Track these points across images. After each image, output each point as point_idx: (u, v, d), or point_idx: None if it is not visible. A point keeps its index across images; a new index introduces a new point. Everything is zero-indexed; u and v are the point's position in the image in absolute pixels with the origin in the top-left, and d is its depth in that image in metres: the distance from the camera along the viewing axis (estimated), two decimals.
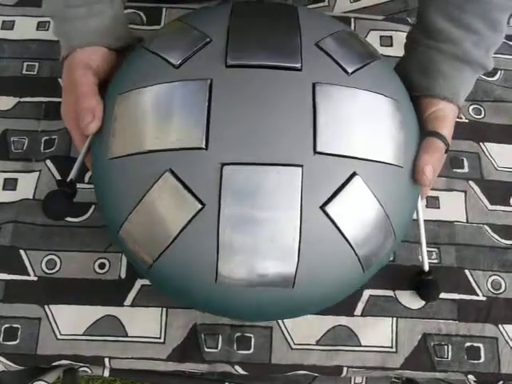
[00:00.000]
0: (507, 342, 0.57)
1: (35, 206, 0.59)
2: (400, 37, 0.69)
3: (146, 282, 0.56)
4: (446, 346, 0.56)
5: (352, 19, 0.70)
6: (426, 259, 0.54)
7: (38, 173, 0.61)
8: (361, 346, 0.56)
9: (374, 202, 0.44)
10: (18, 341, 0.55)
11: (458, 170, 0.63)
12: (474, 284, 0.58)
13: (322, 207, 0.42)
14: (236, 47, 0.45)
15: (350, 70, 0.45)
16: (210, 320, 0.56)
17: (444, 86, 0.51)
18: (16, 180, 0.61)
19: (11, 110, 0.64)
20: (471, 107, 0.66)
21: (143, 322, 0.56)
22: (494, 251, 0.60)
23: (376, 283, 0.54)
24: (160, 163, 0.42)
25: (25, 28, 0.68)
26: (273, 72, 0.44)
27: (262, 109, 0.42)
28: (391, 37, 0.69)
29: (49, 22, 0.69)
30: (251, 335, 0.56)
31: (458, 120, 0.65)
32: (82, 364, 0.55)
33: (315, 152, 0.42)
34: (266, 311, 0.47)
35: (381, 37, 0.69)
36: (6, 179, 0.61)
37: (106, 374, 0.56)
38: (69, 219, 0.59)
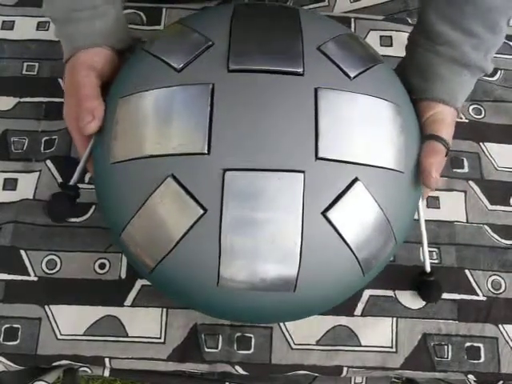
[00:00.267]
0: (507, 342, 0.57)
1: (35, 206, 0.59)
2: (400, 37, 0.69)
3: (146, 282, 0.56)
4: (446, 346, 0.56)
5: (352, 19, 0.70)
6: (428, 260, 0.55)
7: (38, 173, 0.61)
8: (361, 346, 0.56)
9: (374, 207, 0.44)
10: (18, 341, 0.55)
11: (458, 170, 0.63)
12: (474, 284, 0.58)
13: (324, 213, 0.42)
14: (238, 51, 0.45)
15: (351, 75, 0.45)
16: (210, 320, 0.56)
17: (441, 88, 0.51)
18: (16, 180, 0.61)
19: (11, 110, 0.64)
20: (471, 107, 0.66)
21: (143, 322, 0.56)
22: (494, 251, 0.60)
23: (376, 283, 0.54)
24: (162, 168, 0.42)
25: (25, 28, 0.68)
26: (275, 77, 0.44)
27: (264, 114, 0.42)
28: (391, 37, 0.69)
29: (49, 22, 0.69)
30: (251, 335, 0.56)
31: (458, 120, 0.65)
32: (82, 364, 0.55)
33: (317, 158, 0.42)
34: (267, 314, 0.48)
35: (381, 37, 0.69)
36: (6, 179, 0.61)
37: (106, 374, 0.56)
38: (69, 219, 0.59)
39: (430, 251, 0.59)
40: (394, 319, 0.57)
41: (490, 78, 0.68)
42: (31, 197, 0.60)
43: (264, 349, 0.55)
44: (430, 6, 0.51)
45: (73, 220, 0.59)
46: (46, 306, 0.56)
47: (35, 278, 0.57)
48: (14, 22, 0.69)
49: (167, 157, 0.42)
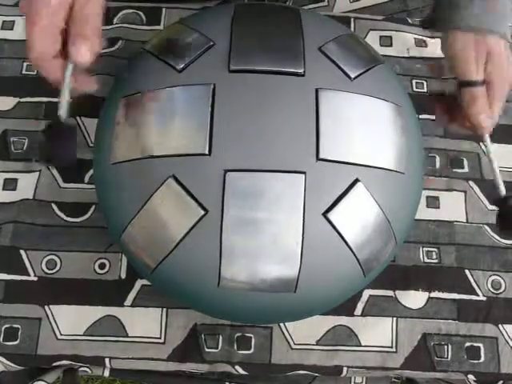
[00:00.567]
0: (507, 342, 0.57)
1: (35, 206, 0.59)
2: (400, 37, 0.69)
3: (147, 282, 0.56)
4: (445, 346, 0.56)
5: (352, 19, 0.70)
6: (501, 183, 0.52)
7: (37, 173, 0.61)
8: (361, 345, 0.56)
9: (375, 209, 0.44)
10: (18, 341, 0.55)
11: (458, 170, 0.63)
12: (474, 284, 0.59)
13: (325, 214, 0.42)
14: (239, 52, 0.45)
15: (352, 76, 0.45)
16: (210, 320, 0.56)
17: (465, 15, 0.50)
18: (16, 180, 0.61)
19: (11, 110, 0.64)
20: None
21: (143, 322, 0.56)
22: (494, 251, 0.60)
23: (376, 283, 0.54)
24: (163, 169, 0.42)
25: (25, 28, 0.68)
26: (276, 77, 0.44)
27: (265, 114, 0.42)
28: (391, 37, 0.69)
29: None
30: (251, 335, 0.56)
31: None
32: (82, 364, 0.55)
33: (318, 159, 0.42)
34: (267, 315, 0.48)
35: (380, 37, 0.69)
36: (6, 179, 0.61)
37: (106, 374, 0.56)
38: (69, 219, 0.59)
39: (429, 251, 0.59)
40: (394, 319, 0.57)
41: None
42: (31, 197, 0.60)
43: (264, 349, 0.55)
44: None
45: (73, 220, 0.59)
46: (46, 306, 0.56)
47: (35, 278, 0.57)
48: (13, 21, 0.68)
49: (168, 157, 0.42)
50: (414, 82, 0.67)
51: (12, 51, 0.67)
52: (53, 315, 0.56)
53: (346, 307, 0.55)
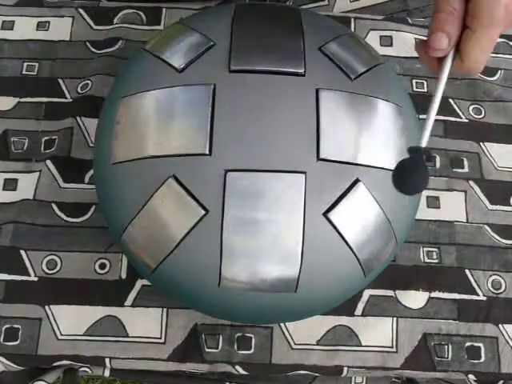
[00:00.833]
0: (507, 342, 0.57)
1: (35, 206, 0.59)
2: (400, 36, 0.69)
3: (147, 282, 0.56)
4: (446, 346, 0.56)
5: (352, 19, 0.70)
6: (426, 135, 0.40)
7: (38, 173, 0.61)
8: (361, 345, 0.56)
9: (376, 208, 0.44)
10: (18, 341, 0.55)
11: (458, 170, 0.63)
12: (474, 284, 0.59)
13: (325, 214, 0.42)
14: (239, 52, 0.45)
15: (353, 76, 0.45)
16: (210, 320, 0.56)
17: None
18: (16, 180, 0.61)
19: (11, 110, 0.64)
20: (471, 107, 0.66)
21: (144, 322, 0.56)
22: (494, 251, 0.60)
23: (376, 283, 0.54)
24: (163, 169, 0.42)
25: (25, 28, 0.68)
26: (276, 77, 0.44)
27: (266, 115, 0.43)
28: (391, 37, 0.69)
29: (49, 22, 0.68)
30: (252, 335, 0.56)
31: (458, 120, 0.65)
32: (82, 364, 0.55)
33: (318, 159, 0.42)
34: (268, 315, 0.48)
35: (381, 37, 0.69)
36: (6, 179, 0.61)
37: (107, 374, 0.56)
38: (69, 219, 0.59)
39: (429, 251, 0.59)
40: (395, 319, 0.57)
41: (490, 78, 0.68)
42: (31, 197, 0.60)
43: (264, 349, 0.55)
44: None
45: (73, 220, 0.59)
46: (47, 306, 0.56)
47: (35, 278, 0.57)
48: (13, 21, 0.68)
49: (168, 157, 0.42)
50: (413, 81, 0.67)
51: (12, 51, 0.67)
52: (53, 315, 0.56)
53: (346, 307, 0.55)
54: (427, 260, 0.59)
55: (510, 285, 0.59)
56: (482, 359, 0.56)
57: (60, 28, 0.68)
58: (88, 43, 0.67)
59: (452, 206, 0.62)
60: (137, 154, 0.44)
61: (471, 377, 0.56)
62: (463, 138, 0.64)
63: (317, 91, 0.44)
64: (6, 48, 0.67)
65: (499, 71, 0.69)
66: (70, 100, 0.64)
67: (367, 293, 0.57)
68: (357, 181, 0.43)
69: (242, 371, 0.55)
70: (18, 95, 0.65)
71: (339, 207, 0.42)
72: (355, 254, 0.44)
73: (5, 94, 0.65)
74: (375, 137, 0.44)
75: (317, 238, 0.42)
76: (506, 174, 0.64)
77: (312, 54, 0.45)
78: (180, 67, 0.45)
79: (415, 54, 0.69)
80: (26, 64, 0.66)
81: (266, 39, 0.46)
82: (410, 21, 0.71)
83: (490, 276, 0.59)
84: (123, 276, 0.57)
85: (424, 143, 0.39)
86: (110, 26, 0.68)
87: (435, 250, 0.60)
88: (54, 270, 0.57)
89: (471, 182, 0.63)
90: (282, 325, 0.56)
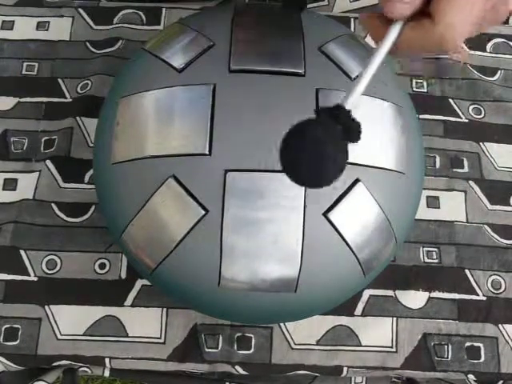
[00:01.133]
0: (507, 342, 0.57)
1: (35, 206, 0.59)
2: None
3: (147, 282, 0.56)
4: (446, 346, 0.56)
5: (352, 19, 0.70)
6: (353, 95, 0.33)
7: (37, 173, 0.61)
8: (361, 345, 0.56)
9: (375, 208, 0.44)
10: (18, 341, 0.55)
11: (458, 170, 0.63)
12: (474, 284, 0.59)
13: (325, 214, 0.42)
14: (239, 52, 0.45)
15: (352, 76, 0.45)
16: (210, 320, 0.56)
17: None
18: (16, 180, 0.61)
19: (11, 110, 0.64)
20: (471, 107, 0.66)
21: (144, 322, 0.56)
22: (494, 251, 0.60)
23: (376, 283, 0.54)
24: (163, 169, 0.42)
25: (25, 28, 0.68)
26: (276, 77, 0.44)
27: (266, 114, 0.42)
28: None
29: (48, 22, 0.69)
30: (251, 335, 0.56)
31: (458, 120, 0.65)
32: (82, 364, 0.55)
33: None
34: (268, 315, 0.48)
35: None
36: (5, 179, 0.61)
37: (106, 374, 0.56)
38: (69, 219, 0.59)
39: (429, 251, 0.59)
40: (394, 319, 0.57)
41: (490, 78, 0.68)
42: (31, 197, 0.60)
43: (264, 349, 0.55)
44: None
45: (73, 220, 0.59)
46: (46, 306, 0.56)
47: (35, 278, 0.57)
48: (13, 21, 0.68)
49: (168, 157, 0.42)
50: (413, 81, 0.67)
51: (12, 51, 0.67)
52: (53, 315, 0.56)
53: (346, 307, 0.55)
54: (427, 260, 0.59)
55: (509, 285, 0.59)
56: (482, 359, 0.56)
57: (60, 28, 0.68)
58: (88, 43, 0.67)
59: (452, 206, 0.62)
60: (136, 153, 0.44)
61: (471, 377, 0.56)
62: (463, 137, 0.65)
63: (316, 91, 0.44)
64: (6, 48, 0.67)
65: (499, 71, 0.69)
66: (70, 100, 0.64)
67: (367, 293, 0.57)
68: (357, 181, 0.43)
69: (241, 371, 0.55)
70: (18, 95, 0.65)
71: (339, 207, 0.42)
72: (355, 254, 0.44)
73: (5, 93, 0.65)
74: (375, 137, 0.44)
75: (317, 238, 0.42)
76: (505, 174, 0.64)
77: (312, 54, 0.45)
78: (180, 67, 0.45)
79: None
80: (25, 64, 0.66)
81: (265, 39, 0.46)
82: None
83: (490, 276, 0.59)
84: (123, 276, 0.57)
85: (348, 104, 0.30)
86: (110, 26, 0.68)
87: (435, 249, 0.60)
88: (54, 270, 0.57)
89: (471, 182, 0.63)
90: (281, 325, 0.56)
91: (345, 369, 0.55)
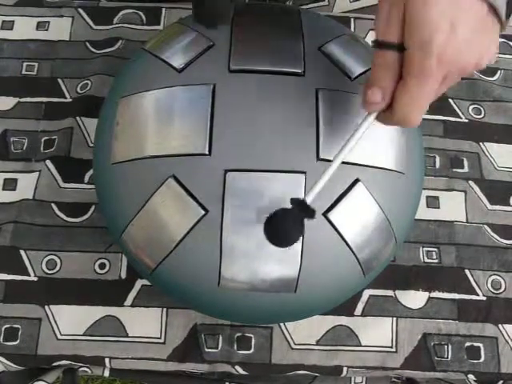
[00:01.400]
0: (507, 342, 0.57)
1: (35, 206, 0.59)
2: None
3: (147, 282, 0.56)
4: (445, 346, 0.56)
5: (352, 19, 0.70)
6: (315, 191, 0.38)
7: (37, 173, 0.61)
8: (361, 345, 0.56)
9: (375, 208, 0.44)
10: (18, 341, 0.55)
11: (458, 170, 0.63)
12: (474, 284, 0.59)
13: (325, 214, 0.42)
14: (239, 52, 0.45)
15: (352, 76, 0.45)
16: (210, 320, 0.56)
17: None
18: (16, 180, 0.61)
19: (11, 110, 0.64)
20: (471, 107, 0.66)
21: (143, 322, 0.56)
22: (494, 251, 0.60)
23: (376, 283, 0.54)
24: (163, 169, 0.42)
25: (24, 28, 0.68)
26: (276, 77, 0.44)
27: (265, 114, 0.43)
28: None
29: (48, 22, 0.69)
30: (251, 335, 0.56)
31: (457, 120, 0.65)
32: (82, 364, 0.55)
33: (318, 159, 0.42)
34: (267, 315, 0.48)
35: None
36: (5, 179, 0.61)
37: (106, 374, 0.56)
38: (69, 219, 0.59)
39: (429, 251, 0.59)
40: (394, 319, 0.57)
41: (490, 78, 0.68)
42: (31, 197, 0.60)
43: (264, 349, 0.55)
44: None
45: (73, 220, 0.59)
46: (46, 306, 0.56)
47: (35, 278, 0.57)
48: (13, 21, 0.68)
49: (168, 157, 0.42)
50: None
51: (12, 51, 0.67)
52: (53, 315, 0.56)
53: (346, 307, 0.55)
54: (427, 260, 0.59)
55: (509, 285, 0.59)
56: (482, 359, 0.56)
57: (60, 28, 0.68)
58: (88, 43, 0.67)
59: (452, 206, 0.62)
60: (136, 153, 0.44)
61: (471, 377, 0.56)
62: (463, 137, 0.65)
63: (316, 91, 0.44)
64: (6, 48, 0.67)
65: (499, 71, 0.69)
66: (70, 100, 0.64)
67: (367, 293, 0.57)
68: (356, 181, 0.43)
69: (241, 371, 0.55)
70: (18, 95, 0.65)
71: (339, 207, 0.42)
72: (355, 254, 0.44)
73: (5, 93, 0.65)
74: (375, 137, 0.44)
75: (316, 237, 0.42)
76: (505, 174, 0.64)
77: (312, 54, 0.46)
78: (180, 67, 0.45)
79: None
80: (25, 64, 0.66)
81: (265, 39, 0.46)
82: None
83: (490, 276, 0.59)
84: (123, 276, 0.57)
85: (309, 198, 0.38)
86: (110, 26, 0.68)
87: (435, 249, 0.60)
88: (54, 270, 0.57)
89: (471, 182, 0.63)
90: (281, 325, 0.56)
91: (345, 369, 0.55)
